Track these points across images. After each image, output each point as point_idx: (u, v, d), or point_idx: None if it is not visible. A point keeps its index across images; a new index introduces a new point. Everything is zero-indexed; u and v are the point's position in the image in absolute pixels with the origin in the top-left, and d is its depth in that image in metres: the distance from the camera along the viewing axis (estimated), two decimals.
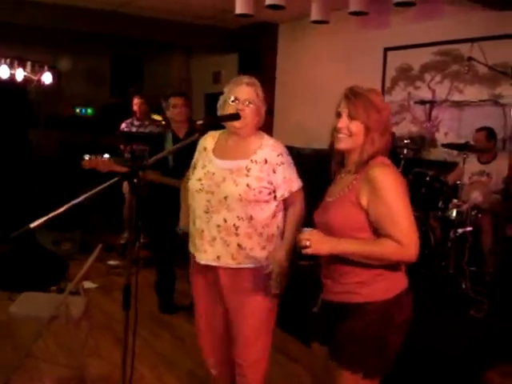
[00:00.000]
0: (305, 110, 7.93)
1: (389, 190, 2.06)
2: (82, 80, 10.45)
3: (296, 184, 2.74)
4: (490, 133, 5.16)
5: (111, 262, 6.20)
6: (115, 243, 6.81)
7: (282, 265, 2.65)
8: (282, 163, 2.68)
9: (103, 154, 4.38)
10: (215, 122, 2.66)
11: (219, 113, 2.75)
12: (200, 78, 10.54)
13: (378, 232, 2.09)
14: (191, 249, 2.85)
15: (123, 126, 7.08)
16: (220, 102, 2.75)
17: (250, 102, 2.65)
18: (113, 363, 3.82)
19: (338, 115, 2.20)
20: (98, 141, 8.69)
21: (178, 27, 8.52)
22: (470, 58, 4.80)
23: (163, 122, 7.29)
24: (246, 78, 2.72)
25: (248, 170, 2.64)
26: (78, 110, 10.34)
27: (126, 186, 6.87)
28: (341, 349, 2.17)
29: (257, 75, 8.89)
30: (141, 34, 8.49)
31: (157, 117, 7.47)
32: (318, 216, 2.30)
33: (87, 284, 5.33)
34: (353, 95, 2.18)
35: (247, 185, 2.61)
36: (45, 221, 2.04)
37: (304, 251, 2.04)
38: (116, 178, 2.17)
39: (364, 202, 2.10)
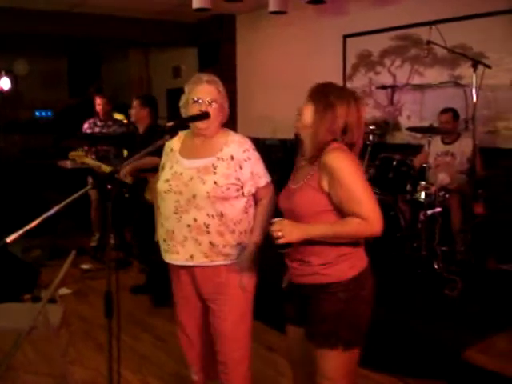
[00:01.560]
0: (267, 101, 7.94)
1: (345, 173, 2.17)
2: (40, 83, 10.27)
3: (264, 179, 2.76)
4: (455, 113, 5.25)
5: (84, 266, 6.13)
6: (86, 246, 6.74)
7: (251, 261, 2.72)
8: (249, 158, 2.70)
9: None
10: (184, 123, 2.64)
11: (182, 112, 2.76)
12: (160, 73, 10.45)
13: (342, 212, 2.21)
14: (162, 252, 2.84)
15: (85, 126, 6.97)
16: (182, 102, 2.75)
17: (212, 101, 2.65)
18: (95, 369, 3.80)
19: None
20: (61, 143, 8.55)
21: (135, 24, 8.43)
22: (428, 42, 4.84)
23: (125, 121, 7.24)
24: (205, 76, 2.70)
25: (215, 168, 2.64)
26: (37, 113, 10.16)
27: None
28: (316, 329, 2.29)
29: (217, 67, 8.93)
30: (97, 33, 8.38)
31: (119, 116, 7.40)
32: (284, 202, 2.40)
33: (62, 290, 5.23)
34: (318, 85, 2.32)
35: (215, 182, 2.61)
36: (20, 234, 2.02)
37: (277, 241, 2.15)
38: (89, 187, 2.16)
39: (325, 186, 2.21)
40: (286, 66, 7.58)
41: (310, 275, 2.30)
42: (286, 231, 2.14)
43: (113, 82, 10.62)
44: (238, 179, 2.67)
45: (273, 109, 7.68)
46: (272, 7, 6.40)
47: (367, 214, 2.13)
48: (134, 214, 5.06)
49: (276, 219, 2.21)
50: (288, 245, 2.18)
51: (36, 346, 4.03)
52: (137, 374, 3.80)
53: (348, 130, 2.26)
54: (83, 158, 5.32)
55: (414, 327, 3.83)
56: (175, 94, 10.99)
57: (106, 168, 5.23)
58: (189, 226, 2.65)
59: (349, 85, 6.80)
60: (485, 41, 5.41)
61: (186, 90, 2.72)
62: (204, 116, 2.60)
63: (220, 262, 2.70)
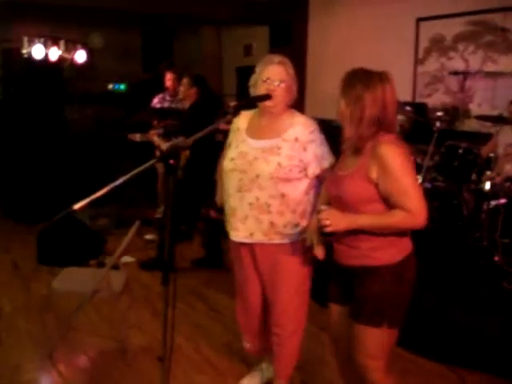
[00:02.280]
0: (337, 82, 7.85)
1: (396, 165, 2.23)
2: (114, 56, 10.52)
3: (327, 161, 2.79)
4: None
5: (148, 237, 6.32)
6: (151, 217, 6.94)
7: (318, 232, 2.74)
8: (313, 141, 2.74)
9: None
10: (248, 103, 2.71)
11: (251, 91, 2.82)
12: (231, 51, 10.52)
13: (388, 202, 2.28)
14: (227, 226, 2.93)
15: (155, 101, 7.15)
16: (251, 82, 2.81)
17: (281, 81, 2.71)
18: (152, 335, 3.96)
19: None
20: (132, 117, 8.77)
21: (208, 1, 8.51)
22: (503, 29, 4.72)
23: None
24: (276, 58, 2.76)
25: (279, 149, 2.70)
26: (110, 86, 10.43)
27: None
28: (362, 308, 2.37)
29: (288, 47, 8.95)
30: (170, 9, 8.51)
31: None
32: (331, 188, 2.46)
33: (125, 258, 5.46)
34: (348, 75, 2.34)
35: (278, 163, 2.68)
36: (87, 202, 2.14)
37: (325, 229, 2.25)
38: (153, 160, 2.25)
39: (374, 176, 2.27)
40: (357, 48, 7.49)
41: (358, 258, 2.38)
42: (334, 220, 2.24)
43: (185, 58, 10.75)
44: (302, 161, 2.72)
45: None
46: None
47: (413, 206, 2.20)
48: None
49: (324, 207, 2.31)
50: (332, 233, 2.28)
51: (99, 310, 4.23)
52: (190, 341, 3.94)
53: (384, 114, 2.29)
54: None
55: (467, 317, 3.80)
56: (245, 72, 11.01)
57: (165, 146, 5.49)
58: (251, 204, 2.74)
59: (420, 69, 6.68)
60: None
61: (257, 69, 2.79)
62: (265, 97, 2.67)
63: (278, 240, 2.78)
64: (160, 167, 7.03)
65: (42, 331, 3.98)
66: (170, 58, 10.87)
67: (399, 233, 2.34)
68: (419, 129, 5.53)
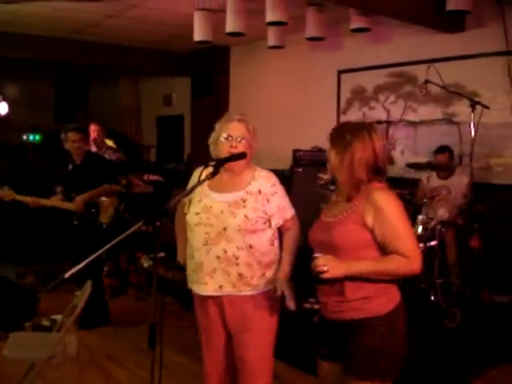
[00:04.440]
0: (260, 132, 8.04)
1: (392, 211, 2.28)
2: (28, 106, 10.26)
3: (289, 212, 2.88)
4: (451, 153, 5.44)
5: (78, 293, 6.09)
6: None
7: (288, 283, 2.78)
8: (276, 193, 2.83)
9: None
10: (224, 163, 2.73)
11: (211, 148, 2.88)
12: (150, 100, 10.54)
13: (383, 249, 2.30)
14: (190, 283, 2.91)
15: None
16: (211, 139, 2.88)
17: (242, 138, 2.79)
18: None
19: None
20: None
21: (127, 53, 8.55)
22: (426, 81, 5.05)
23: (114, 146, 7.29)
24: (236, 115, 2.85)
25: (244, 202, 2.75)
26: (25, 137, 10.13)
27: None
28: (357, 363, 2.34)
29: (210, 97, 9.06)
30: (88, 60, 8.46)
31: (109, 142, 7.44)
32: (318, 235, 2.45)
33: (57, 317, 5.23)
34: (337, 126, 2.45)
35: (245, 215, 2.72)
36: (77, 270, 2.08)
37: (322, 276, 2.22)
38: (139, 223, 2.23)
39: (369, 222, 2.29)
40: (280, 99, 7.74)
41: (348, 311, 2.37)
42: (331, 266, 2.22)
43: (101, 107, 10.66)
44: (265, 212, 2.78)
45: (266, 139, 7.78)
46: (271, 42, 6.58)
47: (409, 252, 2.23)
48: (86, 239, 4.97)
49: (319, 254, 2.27)
50: (326, 280, 2.25)
51: (45, 377, 4.00)
52: None
53: (375, 160, 2.35)
54: (11, 196, 4.89)
55: (419, 359, 3.92)
56: (166, 122, 11.07)
57: (47, 202, 5.08)
58: (218, 257, 2.74)
59: (343, 119, 6.98)
60: (478, 80, 5.65)
61: (217, 127, 2.85)
62: (242, 156, 2.73)
63: (247, 292, 2.79)
64: None
65: None
66: (85, 109, 10.75)
67: (389, 281, 2.34)
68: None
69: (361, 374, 2.34)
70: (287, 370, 3.99)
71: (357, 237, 2.32)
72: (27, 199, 4.99)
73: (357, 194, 2.36)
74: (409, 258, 2.23)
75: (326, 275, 2.22)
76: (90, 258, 2.16)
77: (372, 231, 2.30)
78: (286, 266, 2.83)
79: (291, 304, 2.75)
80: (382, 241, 2.29)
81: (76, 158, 5.16)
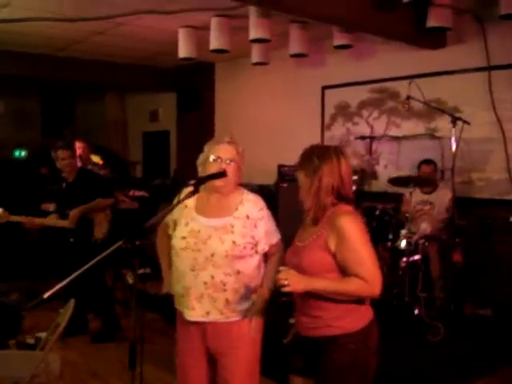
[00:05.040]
0: (244, 147, 8.08)
1: (354, 237, 2.33)
2: (13, 123, 10.25)
3: (275, 237, 2.87)
4: (435, 165, 5.51)
5: (62, 311, 6.06)
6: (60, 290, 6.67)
7: (265, 298, 2.79)
8: (263, 218, 2.80)
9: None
10: (205, 181, 2.73)
11: (200, 170, 2.84)
12: (136, 116, 10.55)
13: (344, 272, 2.35)
14: (178, 306, 2.88)
15: None
16: (200, 160, 2.85)
17: (231, 161, 2.76)
18: None
19: None
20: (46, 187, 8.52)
21: (113, 69, 8.58)
22: (408, 97, 5.11)
23: (100, 163, 7.30)
24: (226, 138, 2.84)
25: (232, 227, 2.73)
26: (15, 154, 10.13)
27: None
28: (329, 379, 2.40)
29: (196, 113, 9.10)
30: (73, 76, 8.48)
31: (95, 158, 7.45)
32: (291, 258, 2.51)
33: (41, 334, 5.20)
34: (306, 150, 2.49)
35: (233, 241, 2.70)
36: (57, 290, 2.08)
37: (283, 289, 2.28)
38: (119, 242, 2.24)
39: (332, 246, 2.35)
40: (264, 114, 7.79)
41: (320, 328, 2.41)
42: (293, 281, 2.26)
43: (88, 123, 10.67)
44: (253, 237, 2.76)
45: (251, 155, 7.77)
46: (255, 59, 6.66)
47: (369, 276, 2.29)
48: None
49: (283, 268, 2.34)
50: (288, 294, 2.31)
51: None
52: None
53: (341, 185, 2.40)
54: (6, 217, 4.88)
55: (402, 373, 3.95)
56: (152, 137, 11.07)
57: (41, 220, 5.13)
58: (205, 283, 2.71)
59: (327, 134, 7.05)
60: (459, 96, 5.72)
61: (206, 148, 2.83)
62: (221, 175, 2.70)
63: (234, 318, 2.77)
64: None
65: None
66: (72, 125, 10.75)
67: (359, 300, 2.39)
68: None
69: None
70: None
71: (322, 262, 2.38)
72: (22, 219, 5.02)
73: (322, 217, 2.41)
74: (368, 282, 2.29)
75: (286, 289, 2.27)
76: (71, 277, 2.16)
77: (334, 255, 2.36)
78: (264, 291, 2.80)
79: (253, 334, 2.80)
80: (343, 265, 2.35)
81: (68, 175, 5.20)
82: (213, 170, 2.74)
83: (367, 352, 2.40)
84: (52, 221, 5.20)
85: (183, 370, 2.98)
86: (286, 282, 2.26)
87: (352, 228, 2.34)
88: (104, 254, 2.18)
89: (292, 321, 2.71)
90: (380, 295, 2.33)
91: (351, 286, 2.32)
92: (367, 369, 2.41)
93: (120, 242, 2.23)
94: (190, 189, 2.70)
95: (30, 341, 5.00)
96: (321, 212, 2.41)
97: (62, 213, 5.13)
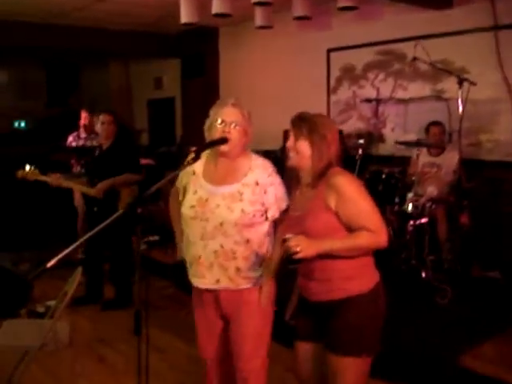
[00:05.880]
0: (251, 113, 8.04)
1: (353, 191, 2.39)
2: (17, 93, 10.22)
3: (285, 203, 2.78)
4: (443, 127, 5.46)
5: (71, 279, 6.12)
6: (73, 258, 6.73)
7: (271, 287, 2.80)
8: (273, 183, 2.75)
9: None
10: (206, 147, 2.70)
11: (206, 135, 2.78)
12: (141, 84, 10.48)
13: (350, 230, 2.39)
14: (190, 274, 2.88)
15: (70, 139, 7.02)
16: (207, 125, 2.79)
17: (236, 124, 2.70)
18: (101, 382, 3.86)
19: (288, 136, 2.53)
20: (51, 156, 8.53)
21: (116, 36, 8.47)
22: (414, 58, 5.03)
23: None
24: (231, 100, 2.76)
25: (241, 195, 2.68)
26: (16, 124, 10.10)
27: (78, 199, 6.84)
28: (341, 339, 2.43)
29: (200, 79, 9.02)
30: (76, 45, 8.39)
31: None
32: (292, 230, 2.44)
33: (51, 302, 5.26)
34: (298, 119, 2.51)
35: (242, 210, 2.66)
36: (59, 259, 2.08)
37: (295, 256, 2.26)
38: (120, 212, 2.23)
39: (333, 205, 2.39)
40: (269, 79, 7.71)
41: (330, 292, 2.44)
42: (303, 246, 2.25)
43: (92, 91, 10.61)
44: (263, 204, 2.72)
45: (257, 120, 7.73)
46: (258, 22, 6.52)
47: (375, 226, 2.35)
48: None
49: (290, 235, 2.30)
50: (299, 260, 2.29)
51: (41, 363, 4.02)
52: None
53: (339, 152, 2.51)
54: (35, 175, 5.06)
55: (410, 335, 3.98)
56: (157, 105, 10.99)
57: (68, 183, 5.30)
58: (215, 252, 2.70)
59: (333, 97, 6.98)
60: (466, 56, 5.62)
61: (211, 112, 2.77)
62: (222, 141, 2.65)
63: (245, 285, 2.77)
64: (80, 206, 6.88)
65: None
66: (76, 93, 10.71)
67: (367, 260, 2.46)
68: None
69: (347, 350, 2.41)
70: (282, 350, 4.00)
71: (326, 224, 2.40)
72: (50, 178, 5.12)
73: (319, 183, 2.44)
74: (375, 232, 2.34)
75: (299, 255, 2.26)
76: (72, 246, 2.15)
77: (337, 214, 2.39)
78: (275, 255, 2.78)
79: (265, 302, 2.80)
80: (347, 221, 2.39)
81: (104, 141, 5.26)
82: (218, 134, 2.69)
83: (379, 311, 2.48)
84: (79, 186, 5.34)
85: (201, 337, 3.03)
86: (298, 249, 2.25)
87: (348, 184, 2.40)
88: (106, 222, 2.17)
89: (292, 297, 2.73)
90: (388, 245, 2.37)
91: (361, 239, 2.36)
92: (377, 327, 2.48)
93: (121, 211, 2.22)
94: (191, 155, 2.62)
95: (40, 309, 5.07)
96: (319, 178, 2.44)
97: (90, 180, 5.18)
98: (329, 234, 2.39)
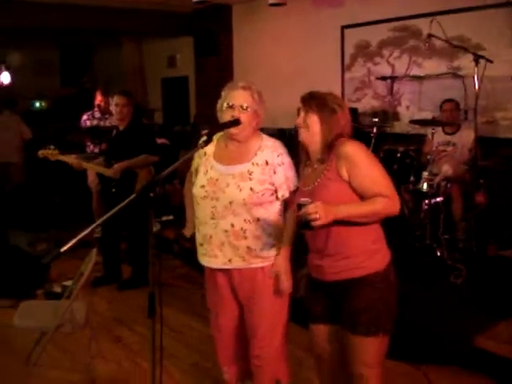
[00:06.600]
0: (265, 90, 7.85)
1: (363, 158, 2.40)
2: (32, 73, 10.24)
3: (295, 183, 2.78)
4: (457, 104, 5.39)
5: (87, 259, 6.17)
6: (90, 238, 6.78)
7: (287, 268, 2.78)
8: (282, 163, 2.75)
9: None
10: (218, 130, 2.69)
11: (218, 116, 2.79)
12: (154, 62, 10.46)
13: (363, 198, 2.40)
14: (199, 256, 2.90)
15: (85, 118, 7.01)
16: (218, 107, 2.79)
17: (246, 107, 2.69)
18: (117, 362, 3.90)
19: (298, 114, 2.54)
20: (66, 137, 8.56)
21: (128, 15, 8.44)
22: (430, 35, 4.95)
23: None
24: (241, 83, 2.75)
25: (250, 174, 2.70)
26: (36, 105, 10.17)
27: (92, 179, 6.87)
28: (359, 319, 2.43)
29: (214, 57, 8.98)
30: (89, 24, 8.39)
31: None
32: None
33: (68, 282, 5.31)
34: (308, 96, 2.52)
35: (251, 189, 2.68)
36: (74, 244, 2.09)
37: (314, 223, 2.24)
38: (133, 195, 2.23)
39: (344, 174, 2.39)
40: (284, 56, 7.65)
41: (346, 271, 2.44)
42: (322, 213, 2.23)
43: (105, 71, 10.60)
44: (272, 184, 2.73)
45: (271, 98, 7.68)
46: None
47: (388, 192, 2.35)
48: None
49: (305, 200, 2.26)
50: (311, 227, 2.25)
51: (57, 343, 4.08)
52: (156, 365, 3.87)
53: (349, 127, 2.53)
54: (56, 155, 5.06)
55: (424, 315, 3.97)
56: (171, 84, 10.96)
57: (88, 165, 5.30)
58: (226, 231, 2.72)
59: (348, 75, 6.91)
60: (483, 33, 5.54)
61: (223, 94, 2.77)
62: (234, 123, 2.65)
63: (257, 264, 2.78)
64: (94, 186, 6.92)
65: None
66: (90, 73, 10.70)
67: (380, 236, 2.49)
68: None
69: (363, 329, 2.42)
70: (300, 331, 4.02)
71: (340, 193, 2.40)
72: (70, 160, 5.12)
73: (329, 156, 2.45)
74: (390, 198, 2.35)
75: (318, 223, 2.23)
76: (88, 229, 2.16)
77: (349, 183, 2.39)
78: (287, 240, 2.79)
79: (284, 287, 2.78)
80: (360, 189, 2.39)
81: (119, 122, 5.20)
82: (227, 117, 2.70)
83: (393, 288, 2.49)
84: (97, 167, 5.32)
85: (215, 317, 3.05)
86: (317, 216, 2.21)
87: (359, 151, 2.41)
88: (119, 206, 2.17)
89: (303, 271, 2.72)
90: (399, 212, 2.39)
91: (377, 204, 2.35)
92: (392, 305, 2.49)
93: (134, 195, 2.22)
94: (203, 138, 2.61)
95: (57, 289, 5.12)
96: (329, 149, 2.45)
97: (107, 161, 5.19)
98: (342, 204, 2.37)
